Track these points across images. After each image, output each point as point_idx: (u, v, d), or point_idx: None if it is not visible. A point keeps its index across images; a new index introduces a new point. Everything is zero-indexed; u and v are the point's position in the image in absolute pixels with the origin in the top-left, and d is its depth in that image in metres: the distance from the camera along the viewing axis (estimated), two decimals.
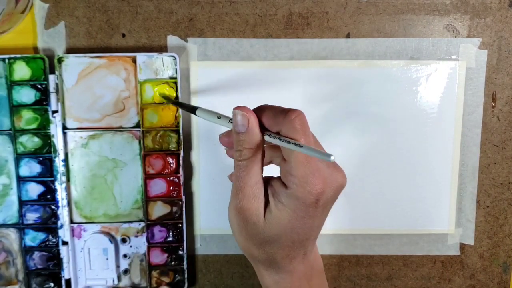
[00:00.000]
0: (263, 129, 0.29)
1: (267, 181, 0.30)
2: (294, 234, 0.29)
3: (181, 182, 0.41)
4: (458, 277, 0.45)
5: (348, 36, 0.41)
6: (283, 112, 0.28)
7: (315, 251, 0.32)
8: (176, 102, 0.40)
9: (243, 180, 0.29)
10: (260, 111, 0.29)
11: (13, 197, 0.41)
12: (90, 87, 0.40)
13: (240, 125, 0.28)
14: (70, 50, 0.41)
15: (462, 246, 0.44)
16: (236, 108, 0.28)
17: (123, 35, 0.41)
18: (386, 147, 0.43)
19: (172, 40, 0.41)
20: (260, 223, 0.29)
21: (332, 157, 0.24)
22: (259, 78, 0.41)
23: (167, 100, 0.40)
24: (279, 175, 0.30)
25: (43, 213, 0.41)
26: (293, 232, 0.28)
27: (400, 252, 0.44)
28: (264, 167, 0.31)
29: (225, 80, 0.41)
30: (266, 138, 0.28)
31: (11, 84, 0.40)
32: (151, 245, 0.42)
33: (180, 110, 0.40)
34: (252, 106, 0.30)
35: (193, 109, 0.34)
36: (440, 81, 0.42)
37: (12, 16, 0.38)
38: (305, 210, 0.28)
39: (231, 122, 0.29)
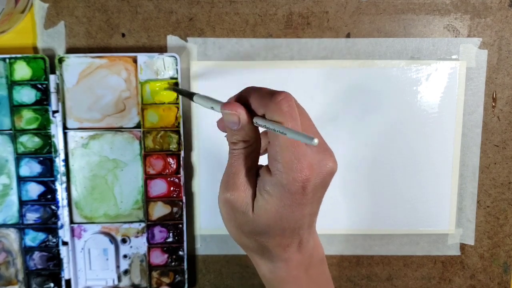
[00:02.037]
0: (251, 113, 0.27)
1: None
2: (284, 223, 0.27)
3: (182, 182, 0.41)
4: (459, 277, 0.45)
5: (348, 36, 0.41)
6: (269, 94, 0.26)
7: (315, 239, 0.31)
8: (175, 88, 0.40)
9: (236, 168, 0.28)
10: (247, 93, 0.28)
11: (13, 197, 0.41)
12: (91, 87, 0.40)
13: (232, 123, 0.27)
14: (69, 50, 0.41)
15: (463, 246, 0.44)
16: (224, 106, 0.27)
17: (123, 35, 0.41)
18: (386, 147, 0.43)
19: (172, 40, 0.41)
20: (249, 213, 0.28)
21: (315, 140, 0.23)
22: (259, 78, 0.41)
23: (168, 88, 0.40)
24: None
25: (43, 213, 0.41)
26: (282, 220, 0.27)
27: (401, 252, 0.44)
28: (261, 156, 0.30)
29: (225, 80, 0.41)
30: (254, 122, 0.27)
31: (12, 84, 0.40)
32: (151, 245, 0.42)
33: (180, 111, 0.40)
34: None
35: (190, 95, 0.34)
36: (440, 81, 0.42)
37: (11, 15, 0.38)
38: (291, 198, 0.26)
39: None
